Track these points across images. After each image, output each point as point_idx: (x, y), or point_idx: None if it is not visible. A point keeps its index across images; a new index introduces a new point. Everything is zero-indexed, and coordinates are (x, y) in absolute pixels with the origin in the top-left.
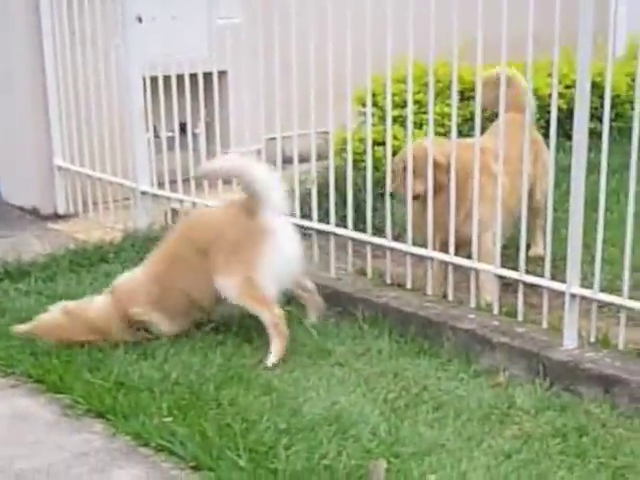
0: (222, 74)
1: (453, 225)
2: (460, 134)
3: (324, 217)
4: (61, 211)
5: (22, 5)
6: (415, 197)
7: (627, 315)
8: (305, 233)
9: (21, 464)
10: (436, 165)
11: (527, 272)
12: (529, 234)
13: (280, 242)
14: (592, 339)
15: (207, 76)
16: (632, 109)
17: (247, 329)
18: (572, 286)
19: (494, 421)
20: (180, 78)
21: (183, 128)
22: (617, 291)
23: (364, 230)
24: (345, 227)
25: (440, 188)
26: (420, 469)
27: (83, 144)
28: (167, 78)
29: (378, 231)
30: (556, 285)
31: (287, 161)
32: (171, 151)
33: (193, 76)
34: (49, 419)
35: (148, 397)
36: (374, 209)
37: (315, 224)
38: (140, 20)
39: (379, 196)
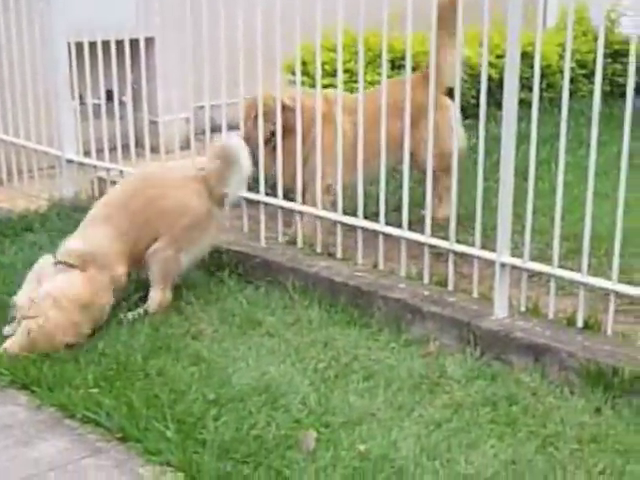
0: (149, 41)
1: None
2: None
3: (254, 186)
4: None
5: None
6: (266, 141)
7: (557, 284)
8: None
9: None
10: (284, 108)
11: (458, 242)
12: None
13: (215, 234)
14: (522, 308)
15: (134, 42)
16: (563, 79)
17: (175, 298)
18: (502, 255)
19: (425, 390)
20: (106, 44)
21: (110, 95)
22: (547, 260)
23: (294, 199)
24: (275, 196)
25: (287, 133)
26: (350, 439)
27: (7, 111)
28: (93, 44)
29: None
30: (486, 254)
31: (216, 129)
32: (97, 119)
33: (119, 42)
34: None
35: (74, 368)
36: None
37: (245, 193)
38: None
39: None
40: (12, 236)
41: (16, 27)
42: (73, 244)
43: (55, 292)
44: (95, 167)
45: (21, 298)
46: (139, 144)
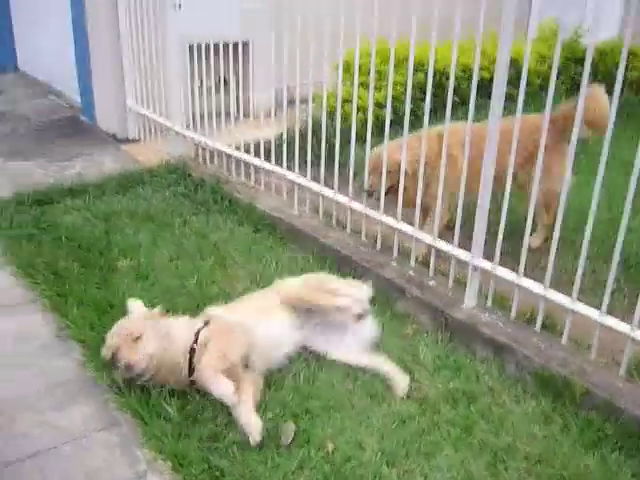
0: (246, 43)
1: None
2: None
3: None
4: (131, 137)
5: None
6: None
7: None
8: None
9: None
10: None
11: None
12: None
13: None
14: (489, 303)
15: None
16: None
17: None
18: (475, 258)
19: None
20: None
21: (221, 80)
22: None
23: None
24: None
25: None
26: (323, 432)
27: (148, 97)
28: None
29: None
30: (462, 254)
31: (291, 102)
32: (210, 96)
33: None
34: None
35: None
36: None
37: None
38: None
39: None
40: (128, 188)
41: (154, 33)
42: None
43: None
44: (192, 139)
45: None
46: (239, 112)
